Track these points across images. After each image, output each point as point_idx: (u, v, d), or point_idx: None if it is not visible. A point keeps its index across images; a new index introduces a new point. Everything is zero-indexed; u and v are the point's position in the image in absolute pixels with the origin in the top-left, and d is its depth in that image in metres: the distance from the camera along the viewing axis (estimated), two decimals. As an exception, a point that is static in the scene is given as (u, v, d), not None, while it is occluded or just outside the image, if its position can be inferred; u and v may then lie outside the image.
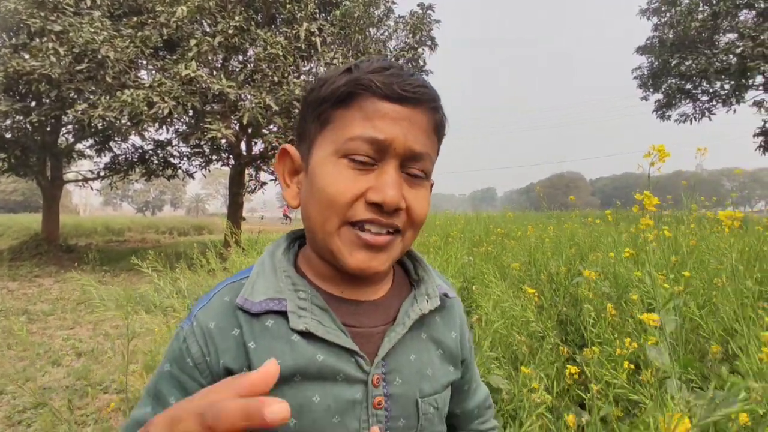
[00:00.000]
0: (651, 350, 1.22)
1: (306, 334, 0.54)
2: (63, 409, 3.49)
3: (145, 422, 0.46)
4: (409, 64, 11.83)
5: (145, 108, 8.46)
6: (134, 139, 12.75)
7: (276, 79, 9.61)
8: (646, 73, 15.46)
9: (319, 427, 0.53)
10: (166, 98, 8.58)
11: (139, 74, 9.62)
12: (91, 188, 14.67)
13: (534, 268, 2.46)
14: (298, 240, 0.66)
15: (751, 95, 13.87)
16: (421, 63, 11.90)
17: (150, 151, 13.75)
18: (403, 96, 0.55)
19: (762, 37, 10.70)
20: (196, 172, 14.76)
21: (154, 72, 9.38)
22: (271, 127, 10.93)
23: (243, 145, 13.00)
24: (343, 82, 0.55)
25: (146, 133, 11.90)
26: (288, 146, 0.62)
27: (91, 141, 12.90)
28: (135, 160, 13.62)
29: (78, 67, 8.15)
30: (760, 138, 13.56)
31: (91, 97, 9.04)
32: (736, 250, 1.74)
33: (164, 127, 11.96)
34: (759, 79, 12.69)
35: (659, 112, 16.17)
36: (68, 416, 3.24)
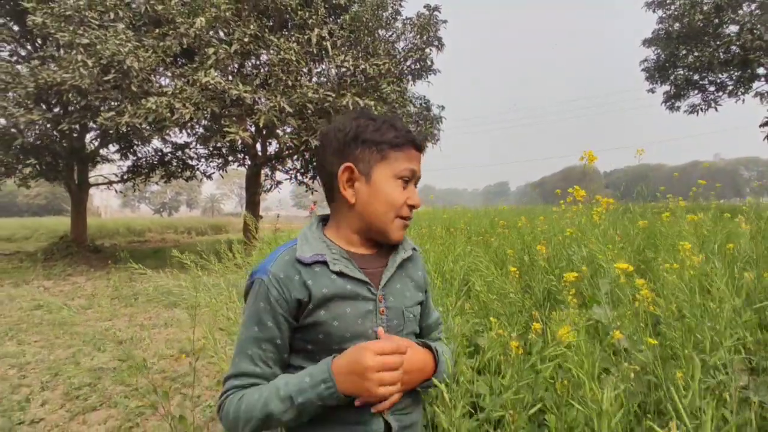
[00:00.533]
0: (596, 309, 1.61)
1: (339, 274, 0.93)
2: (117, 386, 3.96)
3: (253, 357, 0.90)
4: (418, 64, 12.18)
5: (168, 114, 8.98)
6: (155, 142, 13.32)
7: (290, 82, 10.05)
8: (652, 65, 15.56)
9: (350, 327, 0.92)
10: (187, 104, 9.08)
11: (161, 82, 10.17)
12: (116, 191, 15.33)
13: (528, 255, 2.83)
14: (321, 222, 1.08)
15: (757, 86, 13.94)
16: (429, 63, 12.24)
17: (169, 154, 14.33)
18: (418, 146, 1.01)
19: (758, 31, 10.81)
20: (213, 173, 15.32)
21: (174, 80, 9.88)
22: (285, 128, 11.40)
23: (258, 146, 13.51)
24: (395, 135, 0.96)
25: (168, 137, 12.48)
26: (351, 164, 0.96)
27: (115, 146, 13.49)
28: (155, 162, 14.22)
29: (105, 78, 8.68)
30: (767, 128, 13.61)
31: (114, 104, 9.59)
32: (680, 233, 2.10)
33: (185, 131, 12.53)
34: (761, 70, 12.76)
35: (668, 104, 16.25)
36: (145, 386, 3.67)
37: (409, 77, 12.48)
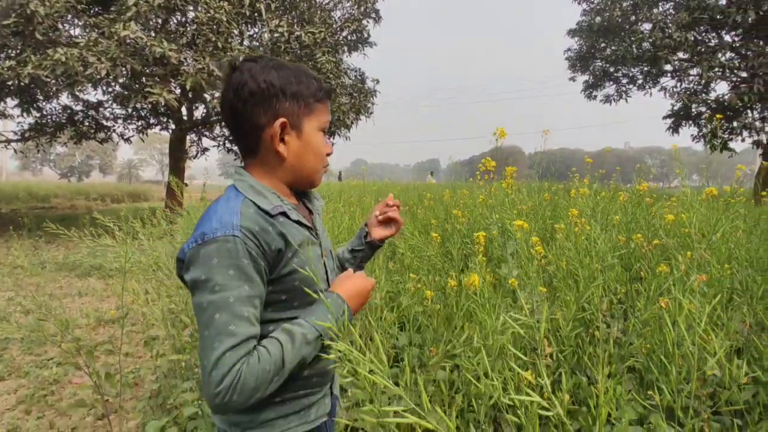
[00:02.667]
0: (503, 267, 1.82)
1: (298, 222, 0.98)
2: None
3: (251, 316, 0.87)
4: (354, 35, 12.04)
5: (80, 68, 8.19)
6: (63, 99, 12.09)
7: (219, 44, 9.54)
8: (574, 55, 16.59)
9: (317, 270, 1.00)
10: (102, 59, 8.34)
11: (71, 32, 9.19)
12: (14, 151, 13.78)
13: (449, 224, 3.05)
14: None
15: (664, 81, 15.41)
16: (365, 35, 12.14)
17: (80, 113, 13.06)
18: (330, 97, 1.08)
19: (669, 29, 11.93)
20: (132, 136, 14.26)
21: (87, 30, 8.99)
22: (213, 92, 10.85)
23: (184, 110, 12.74)
24: (317, 87, 1.00)
25: (79, 93, 11.39)
26: (285, 120, 0.96)
27: (14, 100, 12.06)
28: (63, 121, 12.91)
29: (4, 22, 7.71)
30: (670, 120, 15.14)
31: (14, 52, 8.54)
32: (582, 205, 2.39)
33: (99, 88, 11.50)
34: (668, 67, 14.11)
35: (586, 92, 17.47)
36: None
37: (345, 48, 12.32)
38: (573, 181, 4.03)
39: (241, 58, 0.99)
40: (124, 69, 8.85)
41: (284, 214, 0.95)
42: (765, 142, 12.80)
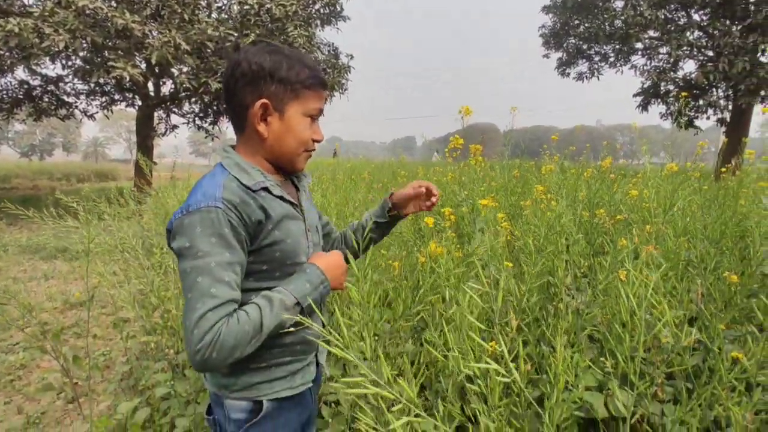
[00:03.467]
0: (476, 238, 1.85)
1: (280, 197, 1.03)
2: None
3: (231, 275, 0.92)
4: (327, 8, 11.72)
5: (36, 40, 7.75)
6: (19, 73, 11.44)
7: (186, 16, 9.15)
8: (549, 32, 16.63)
9: (298, 243, 1.05)
10: (60, 30, 7.89)
11: (24, 0, 8.63)
12: (-31, 128, 13.04)
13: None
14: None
15: (635, 59, 15.64)
16: (338, 8, 11.84)
17: (39, 88, 12.39)
18: (326, 86, 1.08)
19: (640, 7, 12.06)
20: (96, 112, 13.65)
21: (43, 0, 8.47)
22: (181, 67, 10.45)
23: (151, 86, 12.25)
24: (308, 75, 1.02)
25: (36, 67, 10.81)
26: (267, 101, 1.00)
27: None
28: (21, 97, 12.24)
29: (-52, -12, 7.18)
30: (640, 98, 15.44)
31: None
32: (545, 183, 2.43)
33: (58, 61, 10.92)
34: (639, 45, 14.32)
35: (560, 70, 17.59)
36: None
37: (318, 22, 12.00)
38: (544, 158, 4.10)
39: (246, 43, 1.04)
40: (84, 41, 8.42)
41: (266, 189, 1.01)
42: (728, 120, 13.24)
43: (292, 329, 0.96)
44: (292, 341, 1.05)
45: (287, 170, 1.11)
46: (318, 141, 1.09)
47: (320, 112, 1.07)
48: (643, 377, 1.20)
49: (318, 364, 1.17)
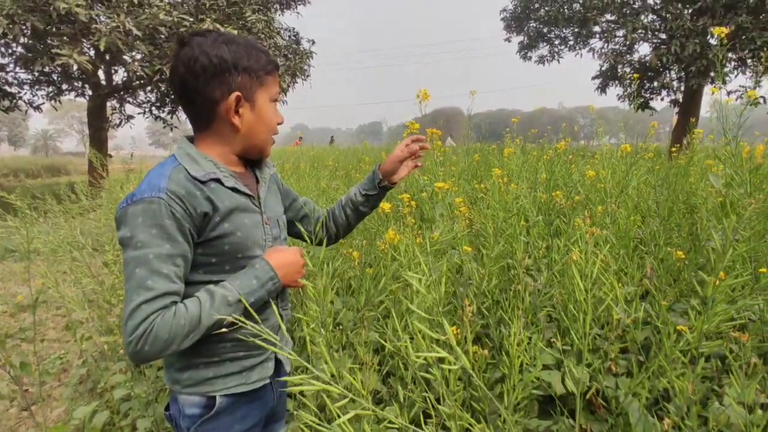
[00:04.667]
0: (433, 229, 1.85)
1: (233, 189, 1.01)
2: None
3: (170, 271, 0.89)
4: (286, -8, 11.41)
5: (-30, 26, 7.21)
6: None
7: (135, 0, 8.70)
8: (510, 15, 16.77)
9: (251, 236, 1.02)
10: (-4, 15, 7.37)
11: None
12: None
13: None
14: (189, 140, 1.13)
15: (593, 42, 16.00)
16: (299, -8, 11.54)
17: (-23, 78, 11.57)
18: (278, 69, 1.09)
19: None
20: (43, 103, 12.87)
21: (-26, -19, 7.86)
22: (134, 54, 9.97)
23: (101, 74, 11.64)
24: (266, 60, 1.03)
25: (-28, 55, 10.09)
26: (239, 93, 1.00)
27: None
28: (-42, 88, 11.41)
29: None
30: (598, 80, 15.85)
31: None
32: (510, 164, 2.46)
33: (-4, 49, 10.22)
34: (597, 28, 14.65)
35: (521, 53, 17.82)
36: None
37: (277, 6, 11.67)
38: (506, 141, 4.15)
39: (188, 33, 1.01)
40: (24, 27, 7.89)
41: (218, 180, 0.99)
42: (681, 101, 13.78)
43: (232, 327, 0.92)
44: (245, 336, 1.02)
45: (256, 158, 1.11)
46: (280, 123, 1.10)
47: (278, 95, 1.09)
48: (598, 353, 1.23)
49: (277, 359, 1.14)
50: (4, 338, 1.79)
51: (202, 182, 0.96)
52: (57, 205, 3.48)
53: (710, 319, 0.94)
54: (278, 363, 1.14)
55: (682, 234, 1.76)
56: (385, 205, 1.31)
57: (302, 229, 1.21)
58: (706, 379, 1.16)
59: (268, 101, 1.05)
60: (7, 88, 11.98)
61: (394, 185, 1.34)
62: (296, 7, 12.19)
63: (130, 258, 0.88)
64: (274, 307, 0.94)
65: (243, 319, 0.75)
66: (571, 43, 16.35)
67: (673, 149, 3.14)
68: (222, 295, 0.92)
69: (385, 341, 1.23)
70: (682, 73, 13.03)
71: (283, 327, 0.81)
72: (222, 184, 0.99)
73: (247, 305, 0.83)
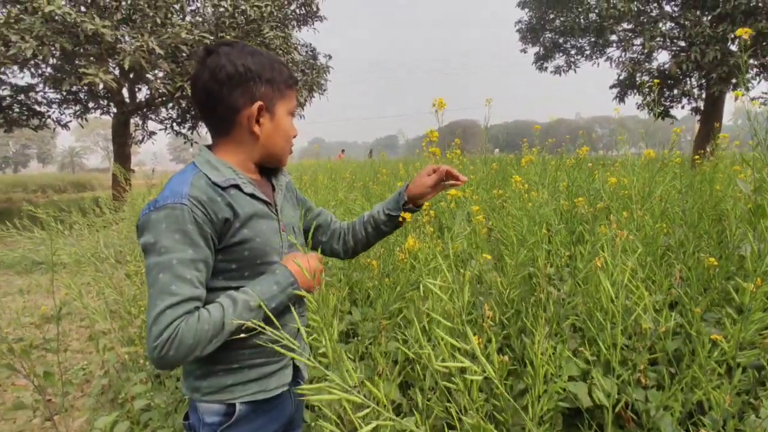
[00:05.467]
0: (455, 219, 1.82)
1: (251, 195, 1.02)
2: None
3: (192, 279, 0.90)
4: (303, 8, 11.64)
5: (2, 48, 7.53)
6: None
7: (158, 20, 8.98)
8: (525, 26, 16.76)
9: (269, 242, 1.03)
10: (26, 37, 7.68)
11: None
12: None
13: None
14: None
15: (610, 51, 15.86)
16: (315, 8, 11.76)
17: (8, 98, 12.02)
18: (297, 84, 1.14)
19: (615, 1, 12.23)
20: (70, 121, 13.33)
21: (6, 6, 8.22)
22: (156, 72, 10.25)
23: (125, 92, 11.99)
24: (288, 75, 1.07)
25: (3, 76, 10.51)
26: (262, 103, 1.02)
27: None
28: (-10, 108, 11.86)
29: None
30: (616, 89, 15.67)
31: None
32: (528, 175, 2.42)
33: (27, 70, 10.63)
34: (614, 37, 14.53)
35: (537, 64, 17.74)
36: None
37: (294, 22, 11.90)
38: (524, 151, 4.12)
39: (215, 43, 1.03)
40: (53, 48, 8.20)
41: (237, 187, 1.00)
42: (702, 108, 13.51)
43: (252, 333, 0.92)
44: (264, 342, 1.01)
45: (274, 167, 1.14)
46: (295, 136, 1.13)
47: (295, 108, 1.13)
48: (626, 364, 1.19)
49: (296, 366, 1.13)
50: (30, 348, 1.81)
51: (223, 188, 0.97)
52: (82, 218, 3.56)
53: (747, 327, 0.89)
54: (296, 369, 1.13)
55: (711, 241, 1.70)
56: (406, 215, 1.30)
57: (313, 238, 1.23)
58: (742, 392, 1.10)
59: (286, 113, 1.07)
60: (36, 107, 12.45)
61: (419, 208, 1.32)
62: (313, 23, 12.41)
63: (154, 264, 0.88)
64: (294, 312, 0.94)
65: (262, 324, 0.74)
66: (588, 52, 16.23)
67: (696, 157, 3.06)
68: (244, 300, 0.93)
69: (406, 350, 1.21)
70: (703, 81, 12.79)
71: (303, 332, 0.81)
72: (241, 190, 1.00)
73: (267, 311, 0.81)
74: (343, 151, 23.20)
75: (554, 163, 3.26)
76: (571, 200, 1.72)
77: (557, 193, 2.16)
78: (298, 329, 1.10)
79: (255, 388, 1.02)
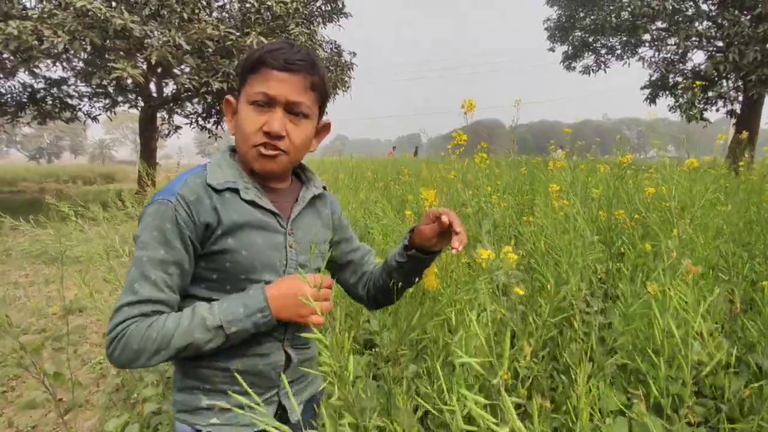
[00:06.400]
0: (477, 247, 1.72)
1: (251, 202, 0.91)
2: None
3: (158, 277, 0.83)
4: (328, 5, 11.60)
5: (36, 42, 7.70)
6: (22, 76, 11.41)
7: (186, 15, 9.06)
8: (554, 25, 16.37)
9: (261, 258, 0.91)
10: (59, 32, 7.83)
11: (24, 3, 8.58)
12: (-26, 132, 13.08)
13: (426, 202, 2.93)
14: (233, 150, 1.02)
15: (642, 51, 15.36)
16: (340, 5, 11.70)
17: (42, 91, 12.37)
18: (287, 67, 0.90)
19: (648, -2, 11.82)
20: (99, 114, 13.63)
21: (42, 1, 8.41)
22: (183, 67, 10.37)
23: (153, 86, 12.18)
24: (254, 57, 0.91)
25: (37, 70, 10.78)
26: (230, 97, 0.96)
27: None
28: (24, 100, 12.22)
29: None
30: (647, 90, 15.17)
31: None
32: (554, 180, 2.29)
33: (59, 64, 10.89)
34: (647, 36, 14.05)
35: (565, 63, 17.32)
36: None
37: (320, 19, 11.87)
38: (552, 153, 3.95)
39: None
40: (83, 43, 8.35)
41: (235, 191, 0.91)
42: (738, 111, 12.94)
43: (206, 355, 0.85)
44: (241, 369, 0.90)
45: (264, 173, 0.95)
46: (269, 133, 0.89)
47: (265, 97, 0.89)
48: (674, 402, 1.06)
49: (280, 403, 0.97)
50: (48, 342, 1.79)
51: (217, 191, 0.89)
52: (103, 211, 3.57)
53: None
54: (283, 408, 0.98)
55: (766, 261, 1.55)
56: (430, 283, 1.06)
57: (339, 275, 1.13)
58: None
59: (244, 103, 0.91)
60: (68, 100, 12.78)
61: (435, 254, 1.04)
62: (338, 20, 12.37)
63: (134, 257, 0.86)
64: (283, 347, 0.85)
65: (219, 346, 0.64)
66: (619, 52, 15.76)
67: (741, 163, 2.87)
68: (202, 316, 0.83)
69: (425, 404, 1.11)
70: (740, 82, 12.25)
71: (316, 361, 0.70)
72: (239, 195, 0.91)
73: (226, 334, 0.76)
74: (394, 148, 22.67)
75: (583, 167, 3.11)
76: (610, 212, 1.59)
77: (588, 201, 2.02)
78: (288, 359, 0.96)
79: (223, 419, 0.89)
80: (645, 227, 1.69)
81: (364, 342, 1.85)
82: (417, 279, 1.07)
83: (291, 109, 0.92)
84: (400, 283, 1.05)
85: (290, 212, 0.98)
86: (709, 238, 1.32)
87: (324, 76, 0.98)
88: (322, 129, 1.06)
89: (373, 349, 1.79)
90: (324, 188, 1.09)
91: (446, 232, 0.97)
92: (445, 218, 0.95)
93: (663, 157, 1.88)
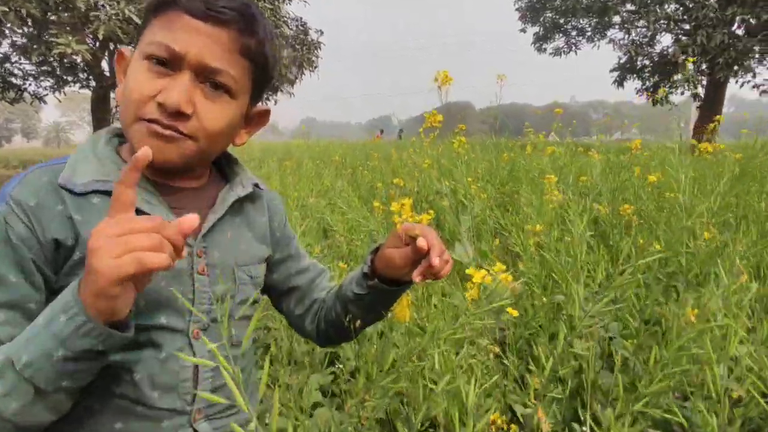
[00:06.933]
0: (457, 247, 1.47)
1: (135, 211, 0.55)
2: None
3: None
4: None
5: (-36, 13, 6.94)
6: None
7: (136, -14, 8.36)
8: (525, 5, 16.23)
9: (155, 293, 0.60)
10: (-9, 2, 7.08)
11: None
12: None
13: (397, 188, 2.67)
14: (118, 135, 0.71)
15: (611, 33, 15.39)
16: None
17: (-19, 68, 11.35)
18: (207, 14, 0.60)
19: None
20: (47, 94, 12.67)
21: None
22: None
23: (105, 65, 11.36)
24: None
25: (-29, 45, 9.86)
26: (124, 48, 0.67)
27: None
28: (-40, 79, 11.20)
29: None
30: (616, 73, 15.26)
31: None
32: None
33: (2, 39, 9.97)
34: (617, 18, 14.04)
35: (536, 45, 17.26)
36: None
37: (284, -6, 11.26)
38: (528, 136, 3.76)
39: None
40: (20, 12, 7.60)
41: (106, 192, 0.59)
42: (702, 94, 13.16)
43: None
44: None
45: (171, 161, 0.63)
46: (164, 105, 0.59)
47: (170, 52, 0.60)
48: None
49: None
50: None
51: (78, 193, 0.59)
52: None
53: None
54: None
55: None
56: (401, 314, 0.80)
57: (282, 305, 0.85)
58: None
59: (137, 57, 0.63)
60: (12, 79, 11.77)
61: (405, 286, 0.76)
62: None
63: None
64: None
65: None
66: (589, 34, 15.77)
67: (703, 145, 2.72)
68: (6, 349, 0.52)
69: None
70: (704, 66, 12.40)
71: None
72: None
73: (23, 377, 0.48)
74: (381, 131, 20.54)
75: (560, 152, 2.91)
76: (614, 206, 1.37)
77: (578, 192, 1.80)
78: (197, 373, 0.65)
79: None
80: (646, 221, 1.47)
81: (329, 359, 1.59)
82: (383, 313, 0.79)
83: (207, 77, 0.62)
84: (358, 321, 0.76)
85: (202, 223, 0.66)
86: (758, 236, 1.10)
87: (268, 42, 0.66)
88: (257, 117, 0.74)
89: (335, 366, 1.53)
90: (257, 186, 0.77)
91: (422, 259, 0.68)
92: (422, 242, 0.66)
93: (632, 141, 1.68)
